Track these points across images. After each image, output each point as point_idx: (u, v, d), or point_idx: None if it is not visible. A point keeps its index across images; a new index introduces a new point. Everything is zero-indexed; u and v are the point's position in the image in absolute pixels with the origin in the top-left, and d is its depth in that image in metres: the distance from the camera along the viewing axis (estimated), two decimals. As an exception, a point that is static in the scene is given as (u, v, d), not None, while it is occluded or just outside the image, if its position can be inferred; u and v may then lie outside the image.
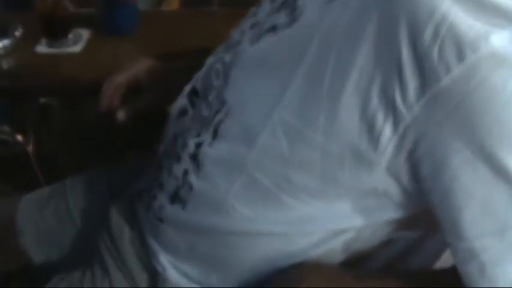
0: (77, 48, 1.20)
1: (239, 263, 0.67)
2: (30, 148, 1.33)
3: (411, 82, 0.52)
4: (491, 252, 0.54)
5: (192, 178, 0.67)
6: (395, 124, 0.54)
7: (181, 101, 0.75)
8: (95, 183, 0.97)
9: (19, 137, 1.33)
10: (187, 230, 0.69)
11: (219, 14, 1.37)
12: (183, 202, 0.68)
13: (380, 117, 0.54)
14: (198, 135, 0.67)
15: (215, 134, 0.65)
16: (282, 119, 0.59)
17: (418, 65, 0.52)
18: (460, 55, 0.51)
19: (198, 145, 0.67)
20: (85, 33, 1.24)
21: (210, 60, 0.73)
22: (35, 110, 1.63)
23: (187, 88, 0.75)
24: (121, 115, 0.89)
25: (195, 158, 0.66)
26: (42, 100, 1.62)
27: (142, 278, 0.74)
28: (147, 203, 0.75)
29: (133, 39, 1.25)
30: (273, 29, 0.67)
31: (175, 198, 0.69)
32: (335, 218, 0.62)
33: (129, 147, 1.06)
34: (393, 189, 0.58)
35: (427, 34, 0.51)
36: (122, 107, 0.90)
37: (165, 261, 0.71)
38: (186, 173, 0.67)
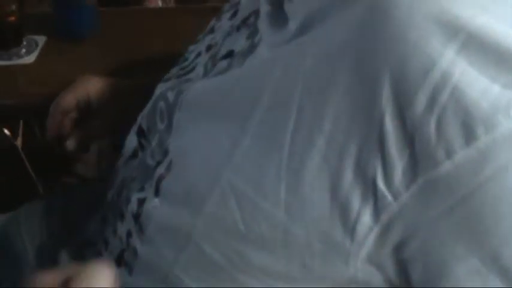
0: (30, 59, 1.08)
1: None
2: (19, 142, 1.24)
3: (398, 162, 0.39)
4: None
5: (136, 242, 0.55)
6: (377, 211, 0.41)
7: (133, 139, 0.64)
8: (49, 216, 0.87)
9: (6, 131, 1.22)
10: None
11: (193, 11, 1.25)
12: (129, 267, 0.57)
13: (356, 199, 0.41)
14: (142, 189, 0.56)
15: (157, 191, 0.53)
16: (233, 185, 0.46)
17: (407, 141, 0.39)
18: (469, 134, 0.37)
19: (141, 202, 0.55)
20: (40, 40, 1.12)
21: (157, 92, 0.61)
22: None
23: (136, 124, 0.64)
24: (71, 144, 0.79)
25: (137, 218, 0.55)
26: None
27: None
28: (93, 259, 0.64)
29: (94, 43, 1.13)
30: (230, 55, 0.55)
31: (121, 261, 0.58)
32: None
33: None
34: (377, 279, 0.46)
35: (420, 101, 0.38)
36: (72, 133, 0.80)
37: None
38: (129, 234, 0.57)
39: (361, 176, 0.41)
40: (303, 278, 0.47)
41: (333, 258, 0.45)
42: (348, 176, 0.41)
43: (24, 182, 1.07)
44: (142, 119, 0.61)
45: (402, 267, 0.44)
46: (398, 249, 0.43)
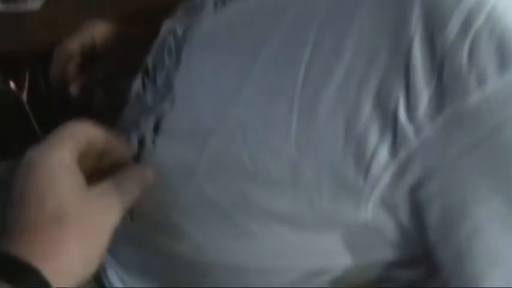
0: (36, 4, 1.05)
1: None
2: (24, 96, 1.22)
3: (423, 92, 0.37)
4: None
5: None
6: (395, 147, 0.39)
7: (138, 81, 0.61)
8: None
9: (12, 84, 1.20)
10: (139, 246, 0.56)
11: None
12: (130, 212, 0.55)
13: (373, 135, 0.39)
14: (138, 127, 0.54)
15: (157, 128, 0.51)
16: (240, 119, 0.44)
17: (435, 69, 0.36)
18: (503, 61, 0.35)
19: (141, 142, 0.53)
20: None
21: (165, 28, 0.59)
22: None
23: (143, 66, 0.61)
24: (74, 89, 0.77)
25: (137, 159, 0.53)
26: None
27: None
28: None
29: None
30: None
31: None
32: (311, 255, 0.47)
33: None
34: (388, 226, 0.44)
35: (453, 25, 0.35)
36: (76, 79, 0.78)
37: (115, 277, 0.59)
38: None
39: (380, 109, 0.38)
40: (310, 222, 0.45)
41: (344, 199, 0.42)
42: (366, 109, 0.39)
43: (29, 137, 1.05)
44: (149, 59, 0.59)
45: (416, 210, 0.41)
46: (415, 190, 0.40)
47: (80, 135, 0.45)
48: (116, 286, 0.59)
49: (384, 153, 0.39)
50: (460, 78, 0.36)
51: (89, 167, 0.46)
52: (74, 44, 0.77)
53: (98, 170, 0.48)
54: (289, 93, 0.42)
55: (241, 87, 0.44)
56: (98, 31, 0.77)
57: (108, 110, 0.82)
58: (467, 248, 0.39)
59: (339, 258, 0.47)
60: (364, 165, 0.40)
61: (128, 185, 0.47)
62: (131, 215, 0.54)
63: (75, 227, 0.42)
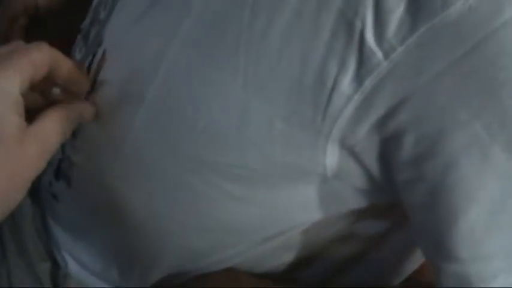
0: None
1: (138, 259, 0.51)
2: None
3: (395, 7, 0.32)
4: (497, 284, 0.36)
5: (69, 150, 0.49)
6: (360, 76, 0.33)
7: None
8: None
9: None
10: (82, 212, 0.53)
11: None
12: (67, 179, 0.51)
13: (333, 62, 0.34)
14: None
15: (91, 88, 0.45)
16: (179, 60, 0.38)
17: None
18: None
19: None
20: None
21: None
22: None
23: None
24: (18, 50, 0.73)
25: None
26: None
27: (43, 268, 0.59)
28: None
29: None
30: None
31: (59, 173, 0.52)
32: (269, 217, 0.43)
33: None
34: (350, 170, 0.39)
35: None
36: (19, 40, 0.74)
37: (67, 255, 0.57)
38: (64, 143, 0.50)
39: (343, 31, 0.33)
40: (264, 175, 0.39)
41: (299, 142, 0.37)
42: (326, 32, 0.34)
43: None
44: (88, 16, 0.55)
45: (385, 149, 0.37)
46: (383, 123, 0.35)
47: (43, 61, 0.38)
48: (70, 267, 0.57)
49: (345, 83, 0.34)
50: None
51: (43, 92, 0.41)
52: (17, 5, 0.72)
53: (48, 100, 0.42)
54: (236, 23, 0.36)
55: (180, 24, 0.39)
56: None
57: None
58: (440, 184, 0.35)
59: (300, 215, 0.43)
60: (323, 99, 0.35)
61: (63, 125, 0.40)
62: (68, 182, 0.51)
63: None
